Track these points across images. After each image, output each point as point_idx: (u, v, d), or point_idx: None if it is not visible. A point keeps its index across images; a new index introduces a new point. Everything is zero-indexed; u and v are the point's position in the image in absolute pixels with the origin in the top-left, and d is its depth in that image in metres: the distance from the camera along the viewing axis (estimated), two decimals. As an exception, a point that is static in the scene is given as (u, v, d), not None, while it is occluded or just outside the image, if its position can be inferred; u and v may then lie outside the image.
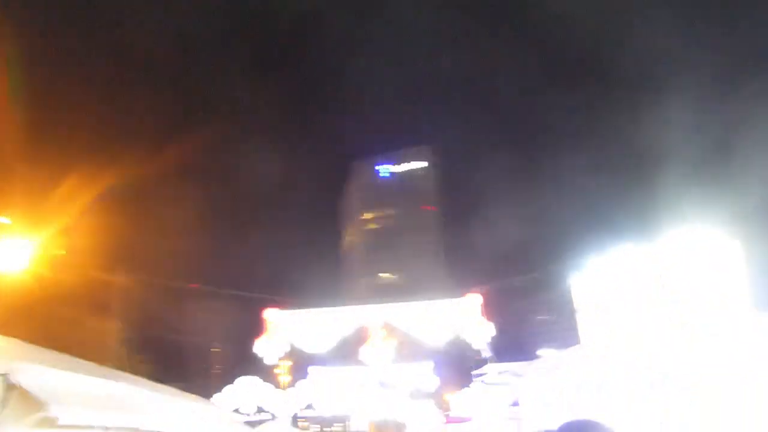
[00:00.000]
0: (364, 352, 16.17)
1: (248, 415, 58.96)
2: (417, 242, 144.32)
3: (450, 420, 33.84)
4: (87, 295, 23.00)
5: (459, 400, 35.91)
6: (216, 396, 49.45)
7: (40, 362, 6.52)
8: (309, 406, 58.15)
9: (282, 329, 15.36)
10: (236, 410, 53.00)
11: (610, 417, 13.86)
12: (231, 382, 50.79)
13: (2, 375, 5.39)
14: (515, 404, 26.41)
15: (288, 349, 15.72)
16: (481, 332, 15.81)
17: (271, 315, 15.73)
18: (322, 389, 40.90)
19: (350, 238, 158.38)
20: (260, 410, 56.67)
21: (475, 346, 17.05)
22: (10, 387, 5.48)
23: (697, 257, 13.03)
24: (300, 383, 51.45)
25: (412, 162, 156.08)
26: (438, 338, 15.76)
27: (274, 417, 47.86)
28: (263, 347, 15.55)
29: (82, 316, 25.96)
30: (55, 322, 24.91)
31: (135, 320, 32.47)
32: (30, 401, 5.27)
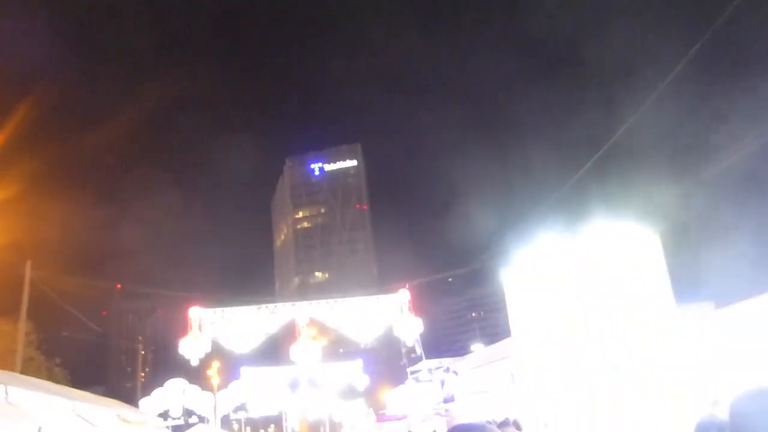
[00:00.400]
0: (293, 350, 15.77)
1: (177, 418, 57.08)
2: (349, 240, 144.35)
3: (383, 418, 33.79)
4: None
5: (391, 397, 35.98)
6: (143, 399, 47.56)
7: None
8: (241, 408, 56.91)
9: (206, 328, 14.75)
10: (165, 414, 51.22)
11: (541, 408, 14.22)
12: (160, 384, 48.99)
13: None
14: (447, 400, 26.71)
15: (209, 349, 15.10)
16: (409, 328, 15.78)
17: (194, 313, 15.07)
18: (253, 390, 40.05)
19: (282, 236, 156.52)
20: (189, 413, 54.95)
21: (404, 342, 16.99)
22: None
23: (619, 251, 13.45)
24: (231, 384, 50.32)
25: (344, 160, 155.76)
26: (367, 335, 15.59)
27: (203, 419, 46.50)
28: (187, 347, 14.89)
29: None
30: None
31: (49, 321, 30.73)
32: None
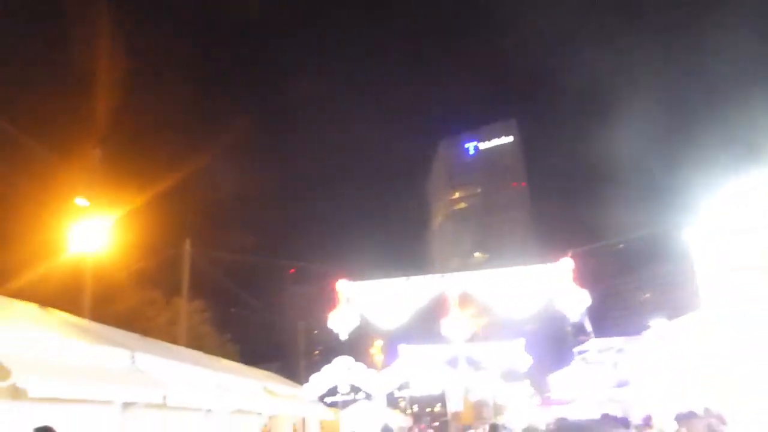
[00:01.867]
0: (443, 325, 14.70)
1: (345, 394, 59.34)
2: (507, 220, 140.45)
3: (548, 402, 31.76)
4: (167, 275, 23.11)
5: (557, 380, 33.68)
6: (314, 375, 49.72)
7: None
8: (405, 385, 57.67)
9: (354, 301, 14.25)
10: (334, 389, 53.36)
11: (731, 402, 11.76)
12: (328, 361, 51.11)
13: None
14: (621, 384, 24.13)
15: (357, 323, 14.52)
16: (574, 300, 13.89)
17: (342, 286, 14.63)
18: (414, 368, 39.89)
19: (439, 218, 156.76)
20: (356, 390, 56.80)
21: (569, 318, 15.04)
22: None
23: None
24: (394, 363, 50.98)
25: (498, 137, 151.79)
26: (524, 308, 14.04)
27: (369, 396, 47.52)
28: (336, 320, 14.46)
29: (164, 297, 26.34)
30: (137, 304, 25.34)
31: (219, 300, 32.87)
32: None
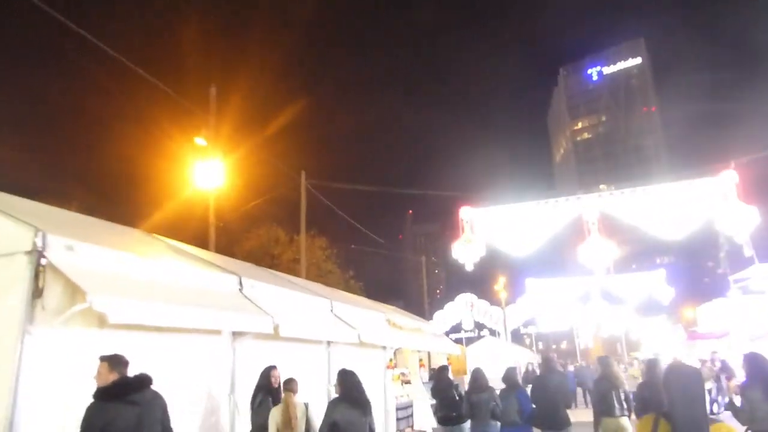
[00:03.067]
0: (581, 251, 13.15)
1: (469, 331, 59.12)
2: (636, 148, 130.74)
3: (695, 336, 29.05)
4: (290, 214, 23.17)
5: (705, 312, 30.70)
6: (437, 313, 49.88)
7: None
8: (530, 322, 56.36)
9: (479, 229, 13.07)
10: (458, 326, 53.27)
11: None
12: (452, 299, 51.00)
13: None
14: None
15: (483, 253, 13.32)
16: (740, 220, 11.76)
17: (465, 213, 13.47)
18: (540, 303, 38.40)
19: (561, 150, 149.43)
20: (480, 326, 56.34)
21: (731, 239, 12.81)
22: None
23: None
24: (519, 299, 49.79)
25: (624, 60, 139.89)
26: (677, 230, 12.15)
27: (494, 333, 46.87)
28: (460, 251, 13.40)
29: (287, 235, 26.70)
30: (262, 242, 25.86)
31: (342, 238, 33.07)
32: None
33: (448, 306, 59.40)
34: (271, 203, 21.34)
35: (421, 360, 16.14)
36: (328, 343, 8.24)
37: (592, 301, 27.45)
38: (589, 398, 17.86)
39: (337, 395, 5.99)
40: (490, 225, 13.70)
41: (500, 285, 56.67)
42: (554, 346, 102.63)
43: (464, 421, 9.74)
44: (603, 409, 8.52)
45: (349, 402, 5.80)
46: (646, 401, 7.25)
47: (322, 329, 7.60)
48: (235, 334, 6.08)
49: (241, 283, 6.27)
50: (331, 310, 8.32)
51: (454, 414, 9.92)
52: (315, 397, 7.10)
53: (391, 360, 11.11)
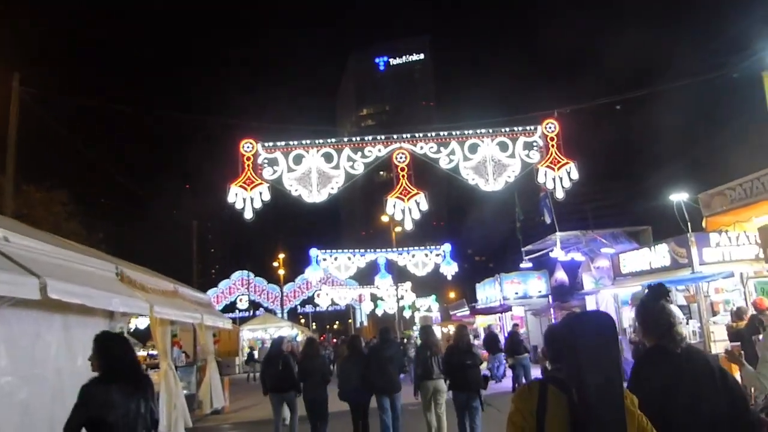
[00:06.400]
0: (389, 203, 10.86)
1: (243, 311, 55.68)
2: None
3: (475, 312, 29.38)
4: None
5: (481, 290, 31.32)
6: (211, 290, 45.81)
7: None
8: (308, 301, 54.83)
9: (265, 168, 10.22)
10: (232, 305, 49.56)
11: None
12: (226, 276, 47.19)
13: None
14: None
15: (268, 197, 10.48)
16: (558, 174, 10.53)
17: (249, 148, 10.49)
18: (320, 281, 36.59)
19: (345, 135, 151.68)
20: (256, 305, 53.32)
21: (556, 195, 11.54)
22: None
23: None
24: (298, 278, 47.59)
25: (410, 54, 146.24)
26: (495, 183, 10.61)
27: (272, 312, 44.41)
28: (239, 194, 10.32)
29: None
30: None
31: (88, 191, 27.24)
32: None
33: (223, 284, 55.21)
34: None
35: (176, 337, 12.71)
36: None
37: (378, 276, 26.10)
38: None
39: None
40: (279, 163, 10.73)
41: (279, 262, 54.13)
42: (327, 326, 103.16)
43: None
44: (423, 372, 9.43)
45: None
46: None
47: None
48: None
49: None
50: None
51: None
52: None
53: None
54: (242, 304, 52.64)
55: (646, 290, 3.42)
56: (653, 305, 3.24)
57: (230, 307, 52.00)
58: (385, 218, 42.55)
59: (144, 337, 17.73)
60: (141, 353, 17.50)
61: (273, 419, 10.42)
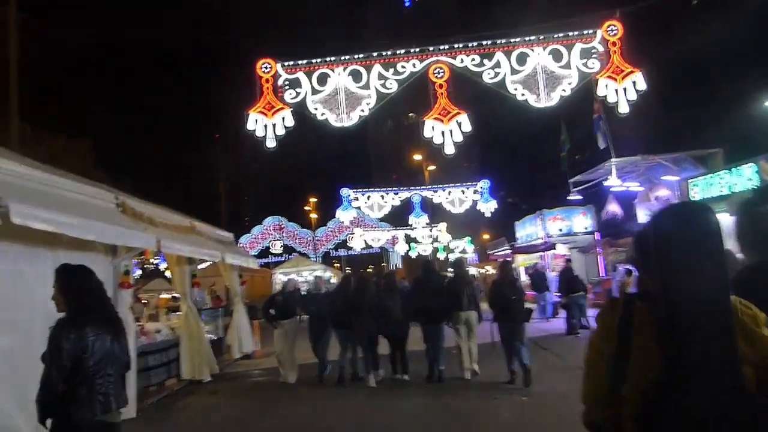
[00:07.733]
0: (427, 126, 9.67)
1: (276, 255, 55.59)
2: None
3: (517, 251, 28.13)
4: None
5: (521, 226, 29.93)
6: (244, 236, 45.70)
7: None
8: (342, 245, 54.37)
9: (287, 91, 9.10)
10: (266, 250, 49.42)
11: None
12: (259, 221, 47.08)
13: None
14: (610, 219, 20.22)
15: (291, 123, 9.41)
16: (621, 86, 9.17)
17: (267, 70, 9.29)
18: (355, 224, 35.69)
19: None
20: (289, 250, 53.12)
21: (618, 111, 10.12)
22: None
23: None
24: (330, 221, 46.87)
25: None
26: (548, 97, 9.31)
27: (304, 257, 44.15)
28: (259, 121, 9.26)
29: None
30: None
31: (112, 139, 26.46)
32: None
33: (256, 229, 55.09)
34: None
35: (195, 278, 11.88)
36: None
37: (412, 215, 25.03)
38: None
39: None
40: (301, 85, 9.56)
41: (311, 206, 53.57)
42: (361, 270, 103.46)
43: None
44: (454, 304, 9.80)
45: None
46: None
47: None
48: None
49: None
50: None
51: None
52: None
53: (128, 273, 6.73)
54: (276, 249, 52.55)
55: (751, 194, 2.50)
56: (763, 210, 2.32)
57: (264, 253, 52.01)
58: (417, 157, 41.09)
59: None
60: (164, 296, 16.99)
61: (337, 360, 10.54)
